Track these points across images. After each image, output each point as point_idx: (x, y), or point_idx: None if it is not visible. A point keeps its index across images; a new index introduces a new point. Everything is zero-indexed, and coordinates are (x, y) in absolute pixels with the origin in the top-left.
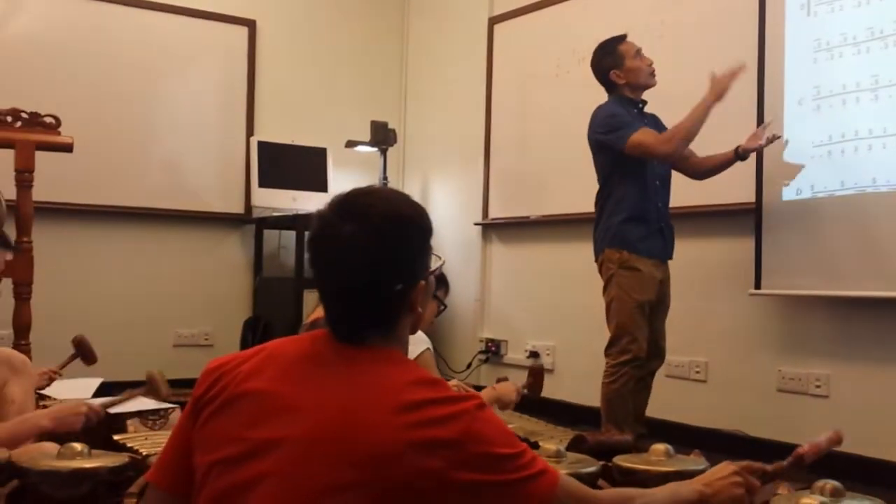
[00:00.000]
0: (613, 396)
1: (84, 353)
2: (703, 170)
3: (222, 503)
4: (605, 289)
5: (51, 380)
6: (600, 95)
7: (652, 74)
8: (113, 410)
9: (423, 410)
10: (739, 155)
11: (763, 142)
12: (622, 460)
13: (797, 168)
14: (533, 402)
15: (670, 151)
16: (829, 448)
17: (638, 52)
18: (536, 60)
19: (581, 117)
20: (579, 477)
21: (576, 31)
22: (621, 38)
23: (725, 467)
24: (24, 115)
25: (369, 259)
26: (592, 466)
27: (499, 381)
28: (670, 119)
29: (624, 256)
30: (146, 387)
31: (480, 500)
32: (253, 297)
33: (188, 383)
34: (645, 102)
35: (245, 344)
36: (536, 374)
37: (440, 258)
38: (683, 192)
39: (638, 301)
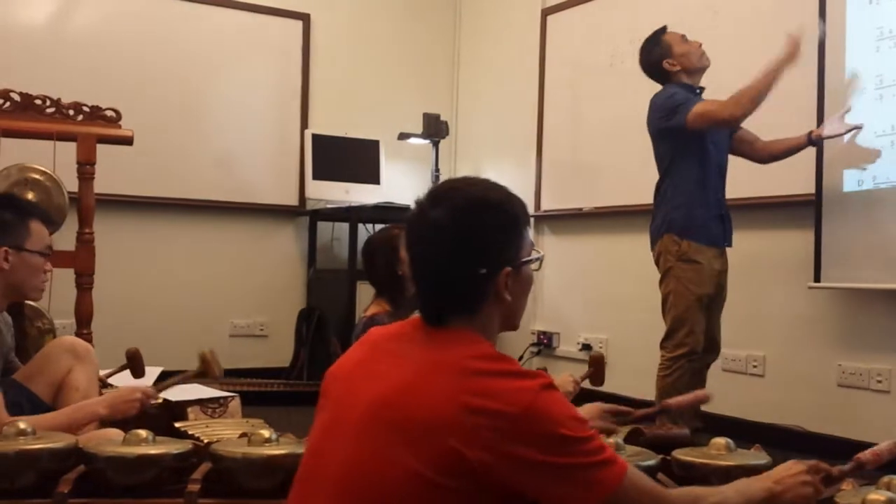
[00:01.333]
0: (669, 390)
1: (134, 366)
2: (768, 154)
3: (305, 471)
4: (661, 280)
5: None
6: (656, 84)
7: (703, 55)
8: (170, 396)
9: (484, 380)
10: (812, 141)
11: (843, 130)
12: (682, 454)
13: (858, 158)
14: (594, 393)
15: (738, 115)
16: (890, 458)
17: (683, 37)
18: (590, 50)
19: (636, 106)
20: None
21: (630, 20)
22: (663, 30)
23: (795, 465)
24: (85, 108)
25: (451, 241)
26: (651, 460)
27: None
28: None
29: (683, 248)
30: (199, 367)
31: (540, 482)
32: (307, 288)
33: (244, 373)
34: (703, 88)
35: (299, 335)
36: (598, 364)
37: (539, 252)
38: (741, 183)
39: (697, 294)
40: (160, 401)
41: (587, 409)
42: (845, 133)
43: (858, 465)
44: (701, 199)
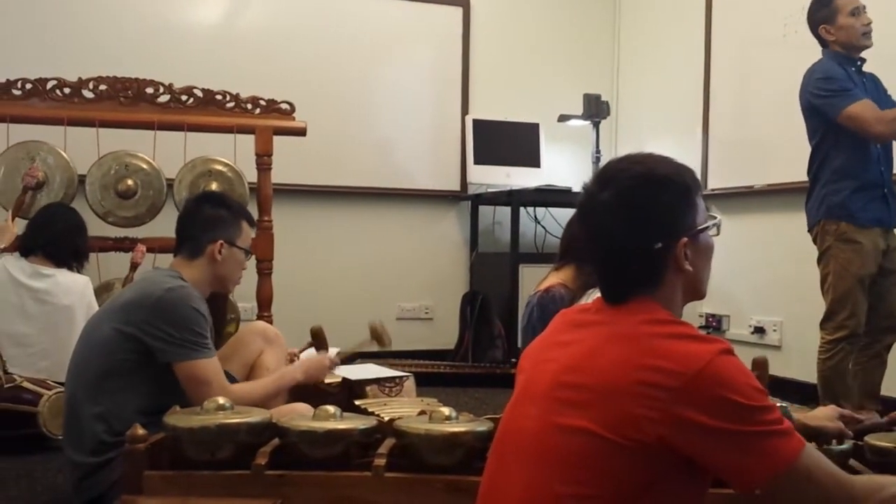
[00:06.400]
0: (829, 373)
1: (318, 342)
2: None
3: (500, 438)
4: (819, 259)
5: (291, 360)
6: None
7: (866, 35)
8: (349, 375)
9: (657, 342)
10: None
11: None
12: (876, 439)
13: None
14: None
15: (887, 133)
16: None
17: (856, 9)
18: (760, 20)
19: None
20: (829, 454)
21: None
22: None
23: None
24: (262, 102)
25: (623, 222)
26: (843, 444)
27: None
28: (888, 80)
29: (842, 228)
30: (370, 338)
31: (711, 448)
32: (470, 272)
33: (411, 355)
34: (864, 60)
35: (463, 318)
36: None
37: (715, 217)
38: None
39: (857, 276)
40: (339, 363)
41: (822, 412)
42: None
43: None
44: (862, 181)
